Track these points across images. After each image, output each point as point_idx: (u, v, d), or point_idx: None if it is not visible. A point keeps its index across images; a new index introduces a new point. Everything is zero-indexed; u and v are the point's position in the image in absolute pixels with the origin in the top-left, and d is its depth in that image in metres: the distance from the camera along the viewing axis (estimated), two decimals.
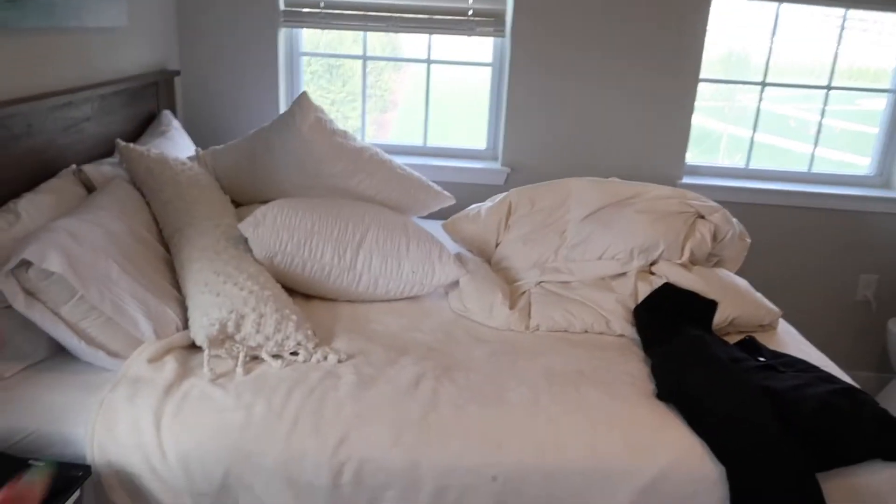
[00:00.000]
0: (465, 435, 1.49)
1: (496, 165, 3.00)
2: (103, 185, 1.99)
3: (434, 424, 1.50)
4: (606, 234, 2.09)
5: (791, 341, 2.00)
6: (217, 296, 1.67)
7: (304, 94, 2.18)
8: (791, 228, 3.03)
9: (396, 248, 2.01)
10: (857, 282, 3.08)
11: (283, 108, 2.98)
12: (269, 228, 1.89)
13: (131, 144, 2.13)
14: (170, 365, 1.57)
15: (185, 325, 1.71)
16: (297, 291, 2.01)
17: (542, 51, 2.83)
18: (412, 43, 3.00)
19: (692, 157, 3.09)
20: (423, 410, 1.53)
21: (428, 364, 1.70)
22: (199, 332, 1.62)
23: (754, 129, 3.02)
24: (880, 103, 3.01)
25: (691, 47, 2.80)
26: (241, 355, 1.61)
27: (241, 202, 2.32)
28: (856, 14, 2.89)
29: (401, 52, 3.05)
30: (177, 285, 1.80)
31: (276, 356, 1.66)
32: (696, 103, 2.88)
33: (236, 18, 2.83)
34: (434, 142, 3.10)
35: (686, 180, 2.98)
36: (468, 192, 2.98)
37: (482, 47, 2.99)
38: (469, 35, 2.89)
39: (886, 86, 2.98)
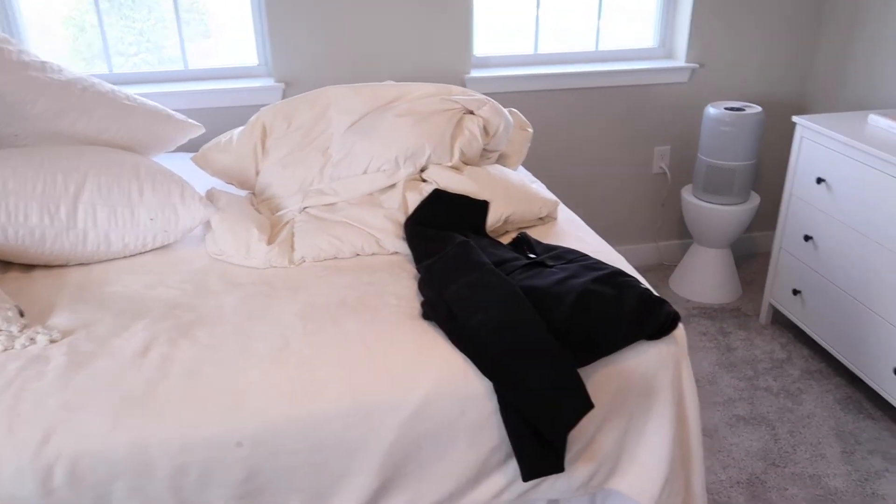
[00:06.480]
0: (201, 402, 1.29)
1: (270, 82, 2.70)
2: None
3: (162, 397, 1.30)
4: (369, 144, 1.90)
5: (571, 230, 1.94)
6: None
7: None
8: (586, 108, 2.98)
9: (126, 195, 1.73)
10: (652, 154, 3.12)
11: None
12: None
13: None
14: None
15: None
16: (14, 263, 1.69)
17: None
18: None
19: (496, 49, 2.92)
20: (148, 383, 1.32)
21: (163, 326, 1.48)
22: None
23: (538, 9, 2.88)
24: None
25: None
26: None
27: None
28: None
29: None
30: None
31: None
32: None
33: None
34: (197, 64, 2.74)
35: (474, 73, 2.83)
36: (246, 115, 2.68)
37: None
38: None
39: None
